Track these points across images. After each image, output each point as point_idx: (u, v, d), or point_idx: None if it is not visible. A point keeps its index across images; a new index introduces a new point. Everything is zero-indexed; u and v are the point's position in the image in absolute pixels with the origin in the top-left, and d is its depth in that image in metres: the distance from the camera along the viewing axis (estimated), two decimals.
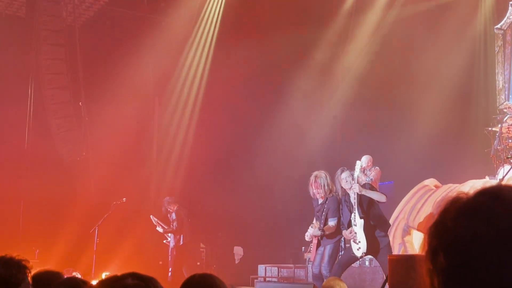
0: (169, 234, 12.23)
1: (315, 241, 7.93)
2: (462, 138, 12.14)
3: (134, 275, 1.81)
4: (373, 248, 7.44)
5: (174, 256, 12.09)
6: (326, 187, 7.82)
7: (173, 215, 12.20)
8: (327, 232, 7.76)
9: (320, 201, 7.88)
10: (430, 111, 12.62)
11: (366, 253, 7.47)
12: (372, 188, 7.71)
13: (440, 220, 1.22)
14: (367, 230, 7.44)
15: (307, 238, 7.94)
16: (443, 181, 10.99)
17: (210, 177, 14.06)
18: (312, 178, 7.91)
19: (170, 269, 12.00)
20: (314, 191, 7.89)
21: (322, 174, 7.91)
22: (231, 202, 13.36)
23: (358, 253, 7.39)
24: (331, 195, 7.81)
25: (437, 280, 1.18)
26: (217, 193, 13.48)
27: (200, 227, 13.63)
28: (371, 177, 10.63)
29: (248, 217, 13.60)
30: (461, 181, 10.38)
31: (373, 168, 11.12)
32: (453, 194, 1.25)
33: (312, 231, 7.80)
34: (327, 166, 8.83)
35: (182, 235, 12.11)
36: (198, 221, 13.54)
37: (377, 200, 7.41)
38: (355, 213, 7.41)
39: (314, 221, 8.00)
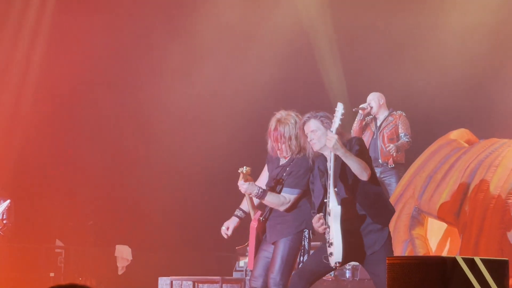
0: None
1: (253, 224, 6.57)
2: (510, 70, 10.76)
3: None
4: (356, 254, 6.42)
5: None
6: (294, 141, 6.69)
7: (2, 205, 10.84)
8: (272, 199, 6.46)
9: (283, 161, 6.80)
10: (460, 23, 10.98)
11: (342, 263, 6.34)
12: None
13: None
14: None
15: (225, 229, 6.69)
16: (481, 134, 9.77)
17: (66, 129, 12.07)
18: (272, 123, 6.68)
19: None
20: (274, 144, 6.73)
21: (290, 118, 6.71)
22: (106, 169, 11.94)
23: (331, 261, 6.23)
24: (301, 154, 6.72)
25: None
26: (81, 153, 11.83)
27: (51, 212, 11.84)
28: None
29: (138, 194, 12.17)
30: (509, 134, 9.25)
31: (396, 113, 9.66)
32: None
33: (243, 185, 6.36)
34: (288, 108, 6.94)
35: None
36: (46, 200, 11.82)
37: (356, 174, 6.27)
38: (329, 191, 6.26)
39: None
